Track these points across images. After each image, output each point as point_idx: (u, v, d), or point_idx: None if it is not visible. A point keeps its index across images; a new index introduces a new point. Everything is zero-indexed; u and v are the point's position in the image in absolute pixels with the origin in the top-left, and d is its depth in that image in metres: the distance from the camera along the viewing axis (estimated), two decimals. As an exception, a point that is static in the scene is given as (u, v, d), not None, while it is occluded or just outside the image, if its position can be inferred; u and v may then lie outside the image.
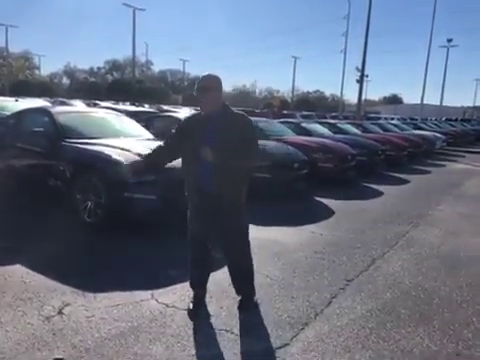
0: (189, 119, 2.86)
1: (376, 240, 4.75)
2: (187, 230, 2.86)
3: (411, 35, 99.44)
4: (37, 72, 58.03)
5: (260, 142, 7.76)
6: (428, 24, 39.69)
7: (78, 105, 18.17)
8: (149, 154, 2.98)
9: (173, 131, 2.87)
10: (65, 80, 72.91)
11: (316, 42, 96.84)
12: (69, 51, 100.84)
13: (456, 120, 33.21)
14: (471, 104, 63.26)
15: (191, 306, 2.83)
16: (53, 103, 15.94)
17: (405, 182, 9.31)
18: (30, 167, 5.45)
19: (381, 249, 4.44)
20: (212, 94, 2.63)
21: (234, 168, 2.62)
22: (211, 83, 2.65)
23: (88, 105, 18.55)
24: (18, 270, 3.29)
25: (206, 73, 2.74)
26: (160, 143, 2.96)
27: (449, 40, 38.77)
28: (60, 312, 2.70)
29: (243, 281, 2.94)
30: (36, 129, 5.17)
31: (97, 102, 22.12)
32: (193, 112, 3.15)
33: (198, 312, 2.80)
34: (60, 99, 24.20)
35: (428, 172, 11.24)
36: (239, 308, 2.88)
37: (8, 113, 7.39)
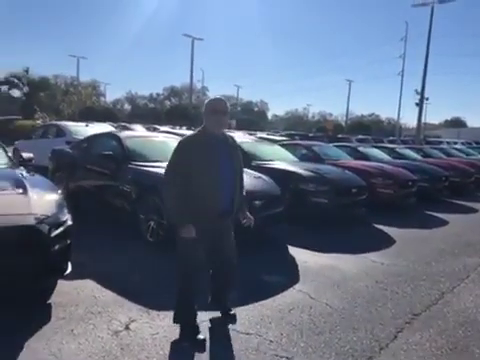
0: (194, 140, 2.68)
1: (443, 272, 4.45)
2: (180, 261, 2.72)
3: (474, 55, 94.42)
4: (103, 99, 62.71)
5: (316, 166, 7.67)
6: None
7: (139, 129, 19.29)
8: (180, 213, 2.57)
9: (177, 160, 2.62)
10: (126, 106, 77.74)
11: (371, 65, 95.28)
12: (131, 79, 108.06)
13: None
14: None
15: (201, 337, 2.70)
16: (117, 128, 17.01)
17: (473, 211, 8.69)
18: (99, 188, 5.84)
19: (450, 282, 4.15)
20: (228, 117, 2.76)
21: (241, 185, 2.86)
22: (228, 107, 2.75)
23: (148, 129, 19.60)
24: (89, 285, 3.50)
25: (218, 96, 2.81)
26: (170, 186, 2.63)
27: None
28: (127, 327, 2.82)
29: (229, 292, 3.01)
30: (105, 152, 5.55)
31: (156, 126, 23.27)
32: (189, 134, 2.89)
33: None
34: (123, 124, 25.81)
35: (499, 200, 10.41)
36: (229, 320, 2.94)
37: (81, 137, 8.05)
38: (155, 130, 18.28)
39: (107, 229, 5.34)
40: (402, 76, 35.05)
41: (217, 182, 2.61)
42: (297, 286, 3.81)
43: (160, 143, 6.51)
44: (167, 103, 71.15)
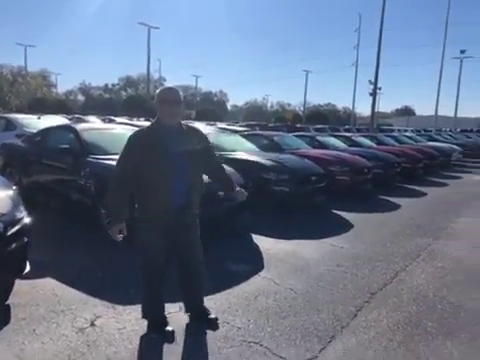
0: (146, 133, 2.60)
1: (397, 253, 4.73)
2: (141, 258, 2.70)
3: (423, 47, 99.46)
4: (54, 90, 59.65)
5: (277, 155, 7.74)
6: (441, 35, 39.80)
7: (94, 121, 18.56)
8: (118, 210, 2.56)
9: (126, 156, 2.54)
10: (80, 97, 74.53)
11: (327, 56, 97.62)
12: (84, 69, 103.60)
13: (471, 131, 32.84)
14: (486, 115, 62.28)
15: (170, 328, 2.70)
16: (71, 120, 16.29)
17: (422, 195, 9.24)
18: (56, 183, 5.60)
19: (403, 262, 4.42)
20: (181, 107, 2.63)
21: (200, 180, 2.72)
22: (180, 96, 2.61)
23: (103, 121, 18.93)
24: (49, 283, 3.39)
25: (169, 85, 2.75)
26: (117, 183, 2.54)
27: (462, 51, 38.73)
28: (92, 324, 2.78)
29: (199, 293, 2.89)
30: (62, 146, 5.32)
31: (112, 118, 22.53)
32: (144, 125, 2.77)
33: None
34: (77, 116, 24.73)
35: (445, 184, 11.13)
36: (210, 326, 2.80)
37: (33, 130, 7.65)
38: (111, 121, 17.69)
39: (65, 225, 5.16)
40: (356, 67, 36.25)
41: (170, 176, 2.48)
42: (262, 273, 3.90)
43: (119, 135, 6.30)
44: (123, 94, 68.99)
